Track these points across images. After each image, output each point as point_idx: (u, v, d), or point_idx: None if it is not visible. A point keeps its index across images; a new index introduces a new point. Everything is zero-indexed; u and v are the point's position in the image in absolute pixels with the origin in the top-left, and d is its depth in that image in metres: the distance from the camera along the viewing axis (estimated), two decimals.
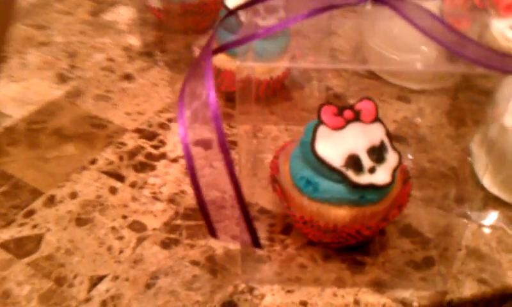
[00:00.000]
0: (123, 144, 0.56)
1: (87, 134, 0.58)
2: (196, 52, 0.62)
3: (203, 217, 0.37)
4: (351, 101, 0.56)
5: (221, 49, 0.37)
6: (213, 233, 0.39)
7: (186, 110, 0.35)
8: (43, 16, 0.78)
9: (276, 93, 0.61)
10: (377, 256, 0.46)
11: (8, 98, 0.62)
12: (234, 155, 0.39)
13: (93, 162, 0.54)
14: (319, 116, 0.44)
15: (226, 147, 0.33)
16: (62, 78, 0.66)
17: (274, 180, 0.47)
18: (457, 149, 0.56)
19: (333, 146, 0.44)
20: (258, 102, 0.60)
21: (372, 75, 0.65)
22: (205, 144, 0.36)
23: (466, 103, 0.60)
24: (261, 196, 0.50)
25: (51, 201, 0.50)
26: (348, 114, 0.45)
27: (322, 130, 0.44)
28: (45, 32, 0.74)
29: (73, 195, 0.51)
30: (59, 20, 0.77)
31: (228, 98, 0.61)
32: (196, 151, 0.35)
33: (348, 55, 0.68)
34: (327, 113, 0.44)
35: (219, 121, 0.33)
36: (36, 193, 0.51)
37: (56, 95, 0.63)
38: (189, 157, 0.35)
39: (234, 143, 0.54)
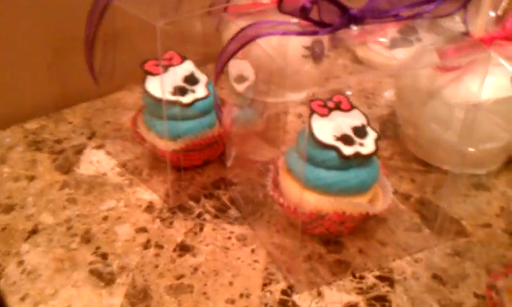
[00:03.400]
0: None
1: None
2: (271, 191, 0.51)
3: None
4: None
5: None
6: None
7: None
8: None
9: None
10: None
11: None
12: None
13: None
14: None
15: None
16: (103, 277, 0.49)
17: None
18: None
19: None
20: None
21: (436, 169, 0.61)
22: None
23: None
24: None
25: None
26: None
27: None
28: (23, 215, 0.55)
29: None
30: (26, 190, 0.58)
31: (326, 241, 0.52)
32: None
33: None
34: None
35: None
36: None
37: (117, 305, 0.46)
38: None
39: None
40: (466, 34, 0.59)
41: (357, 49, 0.83)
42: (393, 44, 0.82)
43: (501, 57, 0.58)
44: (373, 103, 0.73)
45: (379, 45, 0.82)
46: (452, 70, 0.56)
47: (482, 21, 0.57)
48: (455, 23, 0.62)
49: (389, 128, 0.67)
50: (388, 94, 0.77)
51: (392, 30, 0.83)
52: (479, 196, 0.58)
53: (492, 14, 0.58)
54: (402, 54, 0.80)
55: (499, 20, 0.58)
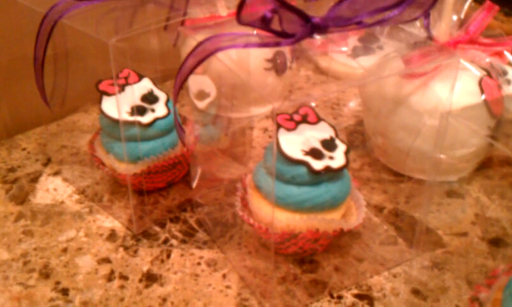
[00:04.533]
0: None
1: None
2: (240, 211, 0.49)
3: None
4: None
5: None
6: None
7: None
8: None
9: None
10: None
11: None
12: None
13: None
14: None
15: None
16: None
17: None
18: None
19: None
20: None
21: (407, 178, 0.59)
22: None
23: None
24: None
25: None
26: None
27: None
28: None
29: None
30: None
31: (300, 260, 0.49)
32: None
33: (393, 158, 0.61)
34: None
35: None
36: None
37: None
38: None
39: None
40: (429, 39, 0.58)
41: (319, 60, 0.81)
42: (355, 53, 0.80)
43: (466, 61, 0.57)
44: (339, 114, 0.71)
45: (341, 55, 0.80)
46: (418, 76, 0.55)
47: (446, 25, 0.56)
48: (414, 29, 0.61)
49: (357, 138, 0.66)
50: (353, 104, 0.76)
51: (352, 39, 0.82)
52: (452, 204, 0.56)
53: (454, 17, 0.57)
54: (364, 62, 0.79)
55: (462, 23, 0.57)
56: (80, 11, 0.51)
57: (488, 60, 0.58)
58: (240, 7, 0.39)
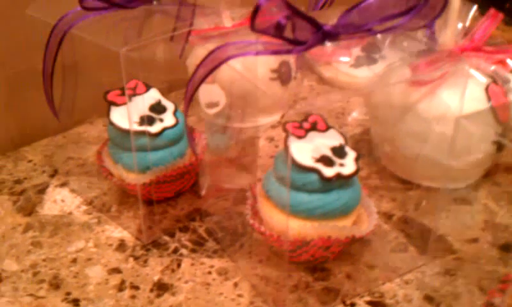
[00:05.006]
0: None
1: None
2: (251, 220, 0.48)
3: None
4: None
5: None
6: None
7: None
8: None
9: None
10: None
11: None
12: None
13: None
14: None
15: None
16: None
17: None
18: None
19: None
20: None
21: (416, 186, 0.59)
22: None
23: None
24: None
25: None
26: None
27: None
28: None
29: None
30: None
31: (311, 268, 0.49)
32: None
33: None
34: None
35: None
36: None
37: None
38: None
39: None
40: (434, 47, 0.58)
41: (323, 70, 0.82)
42: (358, 63, 0.81)
43: (472, 68, 0.57)
44: (344, 123, 0.71)
45: (344, 65, 0.81)
46: (425, 83, 0.55)
47: (451, 32, 0.56)
48: (417, 38, 0.62)
49: (363, 147, 0.66)
50: (356, 114, 0.76)
51: (355, 49, 0.82)
52: (461, 211, 0.56)
53: (459, 25, 0.57)
54: (368, 72, 0.79)
55: (467, 31, 0.58)
56: (89, 22, 0.52)
57: (492, 68, 0.58)
58: (254, 15, 0.39)
